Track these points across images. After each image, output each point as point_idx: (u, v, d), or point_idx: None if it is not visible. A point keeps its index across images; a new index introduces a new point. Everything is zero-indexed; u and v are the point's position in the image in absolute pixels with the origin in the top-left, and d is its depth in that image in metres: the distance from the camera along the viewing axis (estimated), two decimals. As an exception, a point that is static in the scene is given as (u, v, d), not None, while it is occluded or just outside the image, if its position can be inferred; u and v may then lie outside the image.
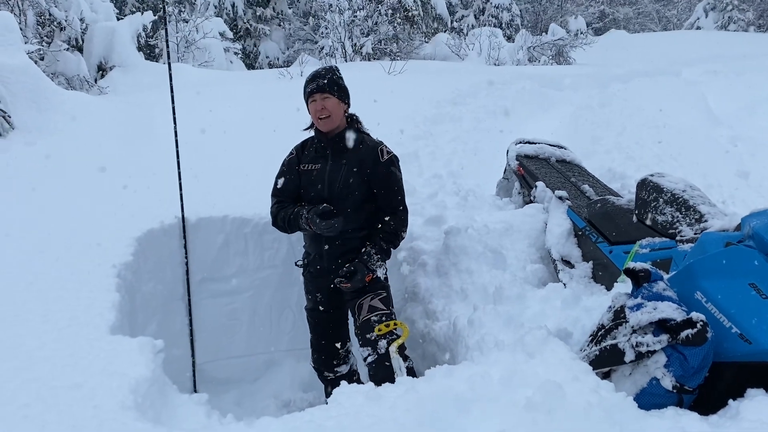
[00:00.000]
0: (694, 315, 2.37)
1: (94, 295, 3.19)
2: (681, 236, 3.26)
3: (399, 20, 16.67)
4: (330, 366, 3.67)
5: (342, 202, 3.33)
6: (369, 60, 14.85)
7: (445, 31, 19.20)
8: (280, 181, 3.51)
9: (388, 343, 3.17)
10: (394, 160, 3.40)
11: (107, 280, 3.35)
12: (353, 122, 3.43)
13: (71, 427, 2.24)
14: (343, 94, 3.37)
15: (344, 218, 3.27)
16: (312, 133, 3.48)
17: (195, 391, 4.06)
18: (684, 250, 3.09)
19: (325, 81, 3.30)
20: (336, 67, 3.44)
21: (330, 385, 3.63)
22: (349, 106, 3.43)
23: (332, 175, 3.34)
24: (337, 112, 3.33)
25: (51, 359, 2.63)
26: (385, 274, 3.49)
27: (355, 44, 15.47)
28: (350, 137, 3.36)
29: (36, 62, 7.68)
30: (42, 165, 4.79)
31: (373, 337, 3.21)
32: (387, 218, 3.37)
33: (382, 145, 3.41)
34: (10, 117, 5.24)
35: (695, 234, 3.18)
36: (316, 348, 3.69)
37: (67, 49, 10.16)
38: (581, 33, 19.80)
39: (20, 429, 2.23)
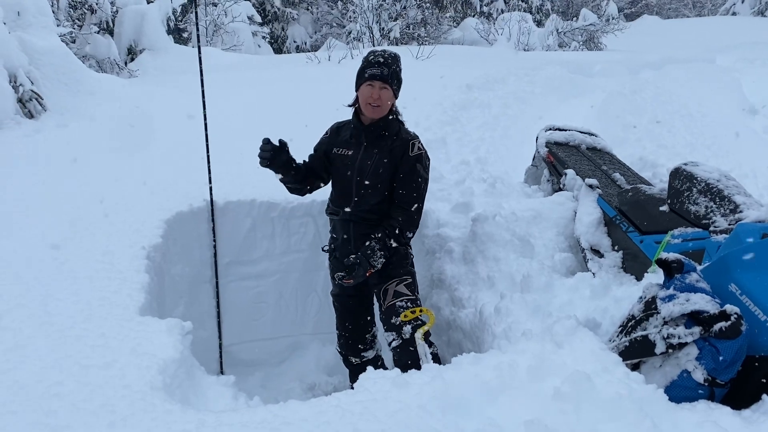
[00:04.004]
0: (728, 307, 2.33)
1: (124, 276, 3.22)
2: (715, 227, 3.20)
3: (427, 4, 16.55)
4: (356, 351, 3.67)
5: (370, 190, 3.31)
6: (397, 44, 14.79)
7: (473, 16, 19.03)
8: (313, 153, 3.51)
9: (413, 330, 3.16)
10: (421, 158, 3.31)
11: (137, 262, 3.38)
12: (391, 111, 3.34)
13: (102, 405, 2.28)
14: (398, 88, 3.30)
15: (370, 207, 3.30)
16: (350, 114, 3.41)
17: (221, 372, 4.11)
18: (718, 240, 3.03)
19: (389, 71, 3.21)
20: (398, 56, 3.32)
21: (355, 370, 3.63)
22: (397, 98, 3.35)
23: (363, 163, 3.30)
24: (388, 104, 3.27)
25: (82, 338, 2.67)
26: (411, 260, 3.48)
27: (383, 28, 15.40)
28: (387, 127, 3.31)
29: (67, 45, 7.76)
30: (73, 147, 4.85)
31: (397, 322, 3.20)
32: (397, 214, 3.29)
33: (416, 140, 3.34)
34: (42, 99, 5.30)
35: (730, 225, 3.12)
36: (342, 333, 3.70)
37: (98, 32, 10.26)
38: (613, 18, 19.45)
39: (52, 406, 2.27)
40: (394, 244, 3.29)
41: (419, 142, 3.35)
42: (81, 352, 2.58)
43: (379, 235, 3.25)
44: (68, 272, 3.22)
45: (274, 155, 3.27)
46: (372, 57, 3.26)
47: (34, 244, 3.46)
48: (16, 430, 2.16)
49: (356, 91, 3.31)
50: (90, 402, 2.29)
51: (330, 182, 3.52)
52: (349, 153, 3.35)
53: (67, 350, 2.59)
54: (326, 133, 3.52)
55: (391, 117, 3.32)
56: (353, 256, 3.25)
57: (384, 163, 3.28)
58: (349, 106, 3.40)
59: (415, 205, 3.30)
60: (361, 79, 3.25)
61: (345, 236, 3.43)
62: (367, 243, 3.26)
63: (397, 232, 3.26)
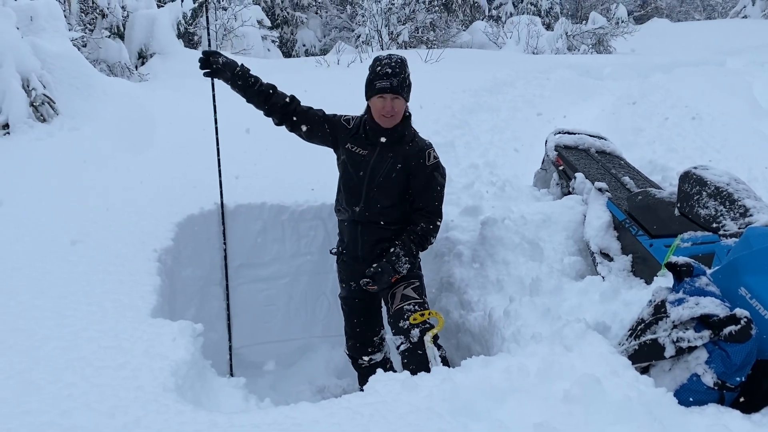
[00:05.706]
0: (738, 311, 2.33)
1: (136, 278, 3.25)
2: (725, 230, 3.19)
3: (436, 8, 16.57)
4: (364, 353, 3.69)
5: (380, 193, 3.33)
6: (405, 48, 14.81)
7: (482, 19, 19.04)
8: (322, 112, 3.47)
9: (422, 333, 3.17)
10: (438, 166, 3.35)
11: (148, 264, 3.41)
12: (405, 118, 3.34)
13: (114, 406, 2.30)
14: (409, 93, 3.29)
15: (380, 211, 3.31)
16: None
17: (231, 374, 4.13)
18: (727, 244, 3.03)
19: (398, 80, 3.18)
20: (405, 60, 3.27)
21: (364, 373, 3.65)
22: (408, 101, 3.34)
23: (376, 166, 3.32)
24: (401, 112, 3.28)
25: (95, 340, 2.69)
26: (419, 263, 3.49)
27: (392, 32, 15.43)
28: (403, 132, 3.32)
29: (79, 49, 7.82)
30: (85, 150, 4.89)
31: (405, 326, 3.21)
32: (420, 220, 3.33)
33: (431, 149, 3.37)
34: (54, 103, 5.35)
35: (740, 228, 3.12)
36: (350, 336, 3.72)
37: (109, 37, 10.31)
38: (622, 21, 19.41)
39: (65, 407, 2.29)
40: (419, 250, 3.35)
41: (434, 150, 3.38)
42: (94, 353, 2.61)
43: (405, 242, 3.29)
44: (81, 275, 3.24)
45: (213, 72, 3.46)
46: (379, 68, 3.21)
47: (47, 247, 3.49)
48: (31, 430, 2.18)
49: (367, 100, 3.31)
50: (103, 403, 2.31)
51: (303, 133, 3.50)
52: (364, 153, 3.36)
53: (81, 352, 2.61)
54: (349, 121, 3.45)
55: (405, 124, 3.33)
56: (376, 265, 3.27)
57: (398, 168, 3.30)
58: (362, 116, 3.41)
59: (437, 212, 3.37)
60: (371, 91, 3.24)
61: (354, 240, 3.45)
62: (392, 249, 3.29)
63: (422, 238, 3.32)
